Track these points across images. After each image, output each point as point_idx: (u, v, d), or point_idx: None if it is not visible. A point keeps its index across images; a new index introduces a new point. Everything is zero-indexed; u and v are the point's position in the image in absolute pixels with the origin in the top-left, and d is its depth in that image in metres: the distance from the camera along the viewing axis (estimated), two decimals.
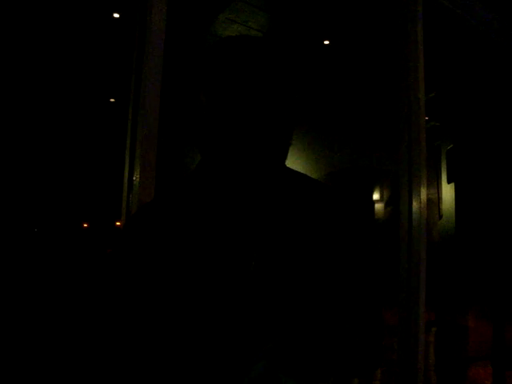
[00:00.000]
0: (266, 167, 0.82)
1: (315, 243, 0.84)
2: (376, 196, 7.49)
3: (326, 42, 4.81)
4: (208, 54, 0.86)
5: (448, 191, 6.17)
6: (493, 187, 3.89)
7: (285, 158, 0.86)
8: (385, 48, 3.86)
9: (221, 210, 0.84)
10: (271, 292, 0.79)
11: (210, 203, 0.84)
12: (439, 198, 6.40)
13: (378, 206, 7.45)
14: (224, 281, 0.79)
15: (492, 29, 2.92)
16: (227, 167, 0.82)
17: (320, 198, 0.90)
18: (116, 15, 4.09)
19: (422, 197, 2.21)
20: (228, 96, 0.79)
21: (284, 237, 0.83)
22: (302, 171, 0.95)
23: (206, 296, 0.78)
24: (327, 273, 0.84)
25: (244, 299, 0.78)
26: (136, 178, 1.45)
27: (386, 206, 7.37)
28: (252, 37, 0.87)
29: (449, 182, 6.14)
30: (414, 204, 2.21)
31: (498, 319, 3.45)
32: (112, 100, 6.28)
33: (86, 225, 9.19)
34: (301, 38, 4.53)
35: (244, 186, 0.83)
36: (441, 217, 6.34)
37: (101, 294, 0.85)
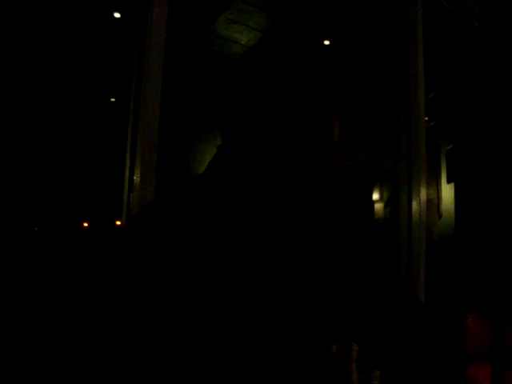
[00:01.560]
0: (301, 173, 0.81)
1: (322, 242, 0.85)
2: (375, 196, 7.48)
3: (327, 42, 4.81)
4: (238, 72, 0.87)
5: (447, 191, 6.17)
6: (493, 187, 3.89)
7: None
8: (385, 48, 3.87)
9: (234, 208, 0.83)
10: (283, 289, 0.80)
11: (224, 202, 0.83)
12: (439, 198, 6.40)
13: (378, 206, 7.44)
14: (234, 279, 0.78)
15: (492, 29, 2.93)
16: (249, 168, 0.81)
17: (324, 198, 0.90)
18: (117, 15, 4.09)
19: (421, 197, 2.22)
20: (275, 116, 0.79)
21: (292, 236, 0.84)
22: None
23: (216, 295, 0.77)
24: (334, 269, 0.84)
25: (255, 297, 0.78)
26: (137, 177, 1.45)
27: (386, 205, 7.36)
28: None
29: (448, 181, 6.14)
30: (414, 204, 2.22)
31: (497, 319, 3.46)
32: (112, 99, 6.28)
33: (86, 224, 9.17)
34: (301, 38, 4.54)
35: (258, 187, 0.82)
36: (440, 217, 6.34)
37: (103, 294, 0.83)
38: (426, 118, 2.38)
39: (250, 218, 0.82)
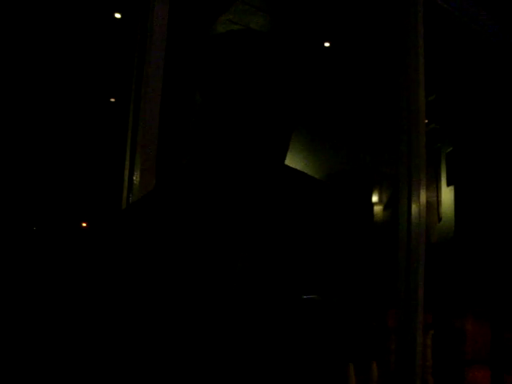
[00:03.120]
0: (261, 166, 0.80)
1: (309, 243, 0.84)
2: (375, 198, 7.48)
3: (327, 44, 4.82)
4: (204, 51, 0.85)
5: (447, 194, 6.17)
6: (492, 191, 3.89)
7: (283, 157, 0.84)
8: (385, 51, 3.87)
9: (212, 208, 0.83)
10: (257, 293, 0.79)
11: (202, 201, 0.83)
12: (438, 201, 6.40)
13: (377, 209, 7.45)
14: (210, 281, 0.78)
15: (494, 34, 2.93)
16: (220, 165, 0.81)
17: (315, 195, 0.90)
18: (117, 15, 4.09)
19: (421, 199, 2.22)
20: (224, 93, 0.78)
21: (275, 237, 0.83)
22: None
23: (193, 295, 0.78)
24: (321, 274, 0.84)
25: (230, 299, 0.78)
26: (136, 178, 1.45)
27: (385, 208, 7.36)
28: (250, 33, 0.84)
29: (448, 184, 6.14)
30: (413, 206, 2.21)
31: (496, 322, 3.45)
32: (112, 100, 6.28)
33: (84, 224, 9.17)
34: (301, 40, 4.54)
35: (237, 185, 0.82)
36: (440, 219, 6.34)
37: (92, 289, 0.84)
38: (426, 121, 2.38)
39: (224, 229, 0.82)
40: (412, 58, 2.29)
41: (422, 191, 2.23)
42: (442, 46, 3.46)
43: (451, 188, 5.95)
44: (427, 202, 2.30)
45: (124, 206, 1.49)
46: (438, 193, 6.41)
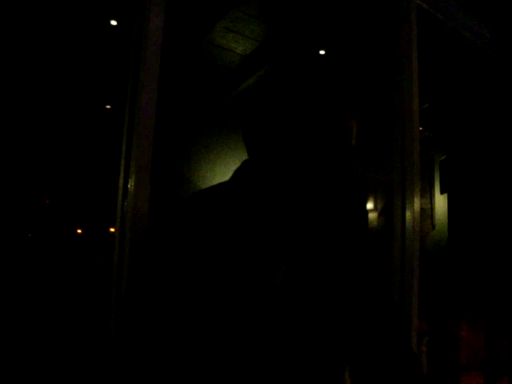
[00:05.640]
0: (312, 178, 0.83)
1: (346, 257, 0.86)
2: (369, 205, 7.50)
3: (322, 52, 4.84)
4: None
5: (441, 202, 6.20)
6: (486, 198, 3.91)
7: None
8: (379, 58, 3.90)
9: (260, 215, 0.83)
10: (299, 300, 0.80)
11: (250, 208, 0.84)
12: (432, 209, 6.42)
13: (372, 216, 7.46)
14: (253, 286, 0.79)
15: (488, 43, 2.96)
16: (274, 176, 0.82)
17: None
18: (113, 22, 4.10)
19: (415, 207, 2.23)
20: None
21: (315, 247, 0.85)
22: None
23: (234, 300, 0.78)
24: (358, 285, 0.85)
25: (271, 305, 0.79)
26: (131, 185, 1.45)
27: (380, 215, 7.38)
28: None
29: (442, 192, 6.17)
30: (408, 214, 2.22)
31: (489, 329, 3.46)
32: (108, 106, 6.28)
33: (79, 231, 9.14)
34: (296, 48, 4.56)
35: (285, 194, 0.83)
36: (434, 227, 6.36)
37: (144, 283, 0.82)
38: (420, 129, 2.39)
39: (272, 230, 0.83)
40: (406, 66, 2.31)
41: (415, 199, 2.23)
42: (436, 55, 3.49)
43: (445, 196, 5.98)
44: (421, 209, 2.31)
45: (118, 212, 1.49)
46: (431, 200, 6.44)
